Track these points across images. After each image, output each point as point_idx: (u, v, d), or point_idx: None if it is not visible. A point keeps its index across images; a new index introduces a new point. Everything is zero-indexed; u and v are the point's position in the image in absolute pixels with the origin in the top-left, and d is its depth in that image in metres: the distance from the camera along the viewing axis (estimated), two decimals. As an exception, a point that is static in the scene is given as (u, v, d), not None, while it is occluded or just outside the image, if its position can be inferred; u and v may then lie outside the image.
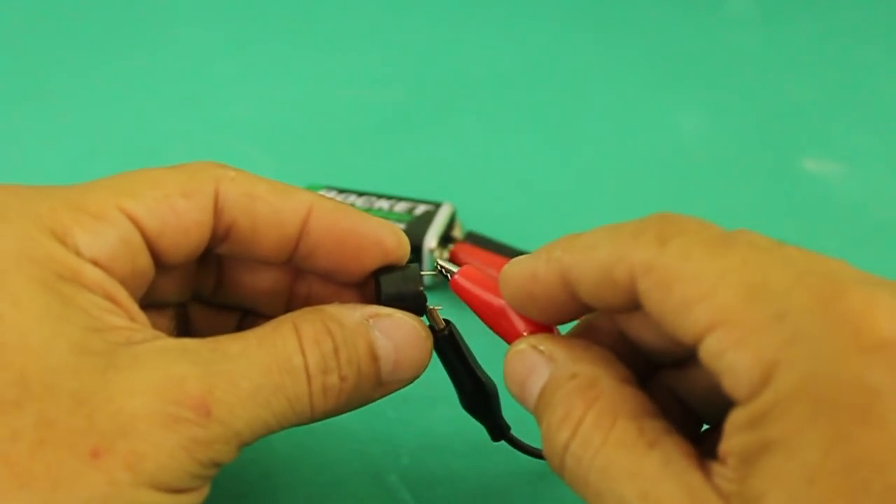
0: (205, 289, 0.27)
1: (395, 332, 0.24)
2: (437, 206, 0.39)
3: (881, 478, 0.16)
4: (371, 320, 0.23)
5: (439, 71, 0.57)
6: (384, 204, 0.39)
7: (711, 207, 0.45)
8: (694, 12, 0.64)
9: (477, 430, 0.33)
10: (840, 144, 0.51)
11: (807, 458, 0.17)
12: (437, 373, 0.35)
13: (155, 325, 0.26)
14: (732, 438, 0.19)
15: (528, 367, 0.23)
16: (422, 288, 0.25)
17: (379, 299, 0.25)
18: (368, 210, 0.39)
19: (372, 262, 0.25)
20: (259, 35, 0.61)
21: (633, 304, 0.21)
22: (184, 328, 0.27)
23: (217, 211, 0.24)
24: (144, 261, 0.23)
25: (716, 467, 0.19)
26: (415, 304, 0.25)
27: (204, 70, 0.57)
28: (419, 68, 0.57)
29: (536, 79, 0.57)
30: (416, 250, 0.38)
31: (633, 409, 0.21)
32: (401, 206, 0.39)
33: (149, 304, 0.26)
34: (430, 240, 0.38)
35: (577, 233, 0.23)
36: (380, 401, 0.33)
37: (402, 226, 0.38)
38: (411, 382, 0.25)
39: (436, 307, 0.26)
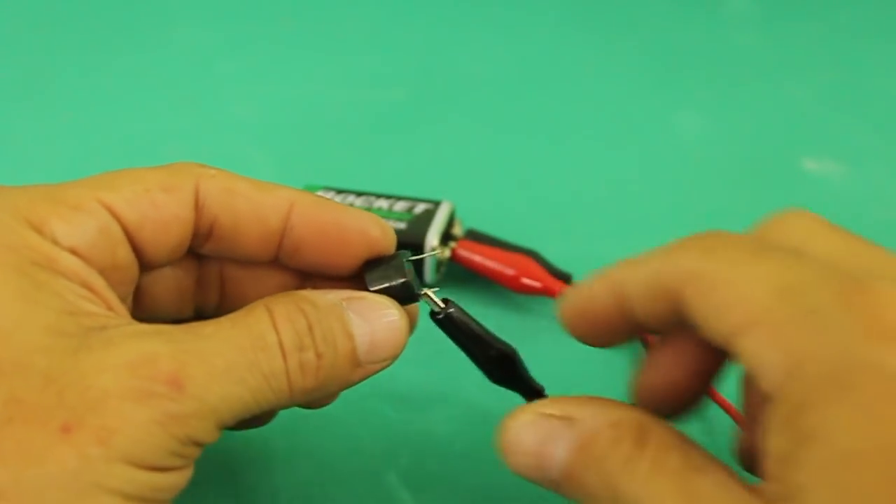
0: (208, 305, 0.27)
1: (368, 313, 0.24)
2: (437, 204, 0.39)
3: None
4: (344, 302, 0.23)
5: (438, 70, 0.57)
6: (383, 203, 0.39)
7: (711, 207, 0.45)
8: (694, 12, 0.64)
9: (477, 430, 0.33)
10: (840, 144, 0.51)
11: (841, 444, 0.17)
12: (436, 373, 0.35)
13: None
14: (771, 441, 0.19)
15: (542, 436, 0.23)
16: (406, 278, 0.25)
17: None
18: (368, 209, 0.39)
19: (358, 253, 0.25)
20: (259, 35, 0.61)
21: (680, 319, 0.22)
22: None
23: (198, 206, 0.24)
24: (125, 253, 0.23)
25: (762, 485, 0.19)
26: (403, 293, 0.25)
27: (204, 70, 0.57)
28: (418, 68, 0.57)
29: (536, 78, 0.57)
30: (418, 248, 0.38)
31: (680, 441, 0.21)
32: (400, 206, 0.39)
33: (148, 318, 0.26)
34: (432, 238, 0.38)
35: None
36: (379, 401, 0.33)
37: (403, 225, 0.38)
38: (389, 364, 0.25)
39: (430, 290, 0.26)
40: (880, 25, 0.64)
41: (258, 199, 0.24)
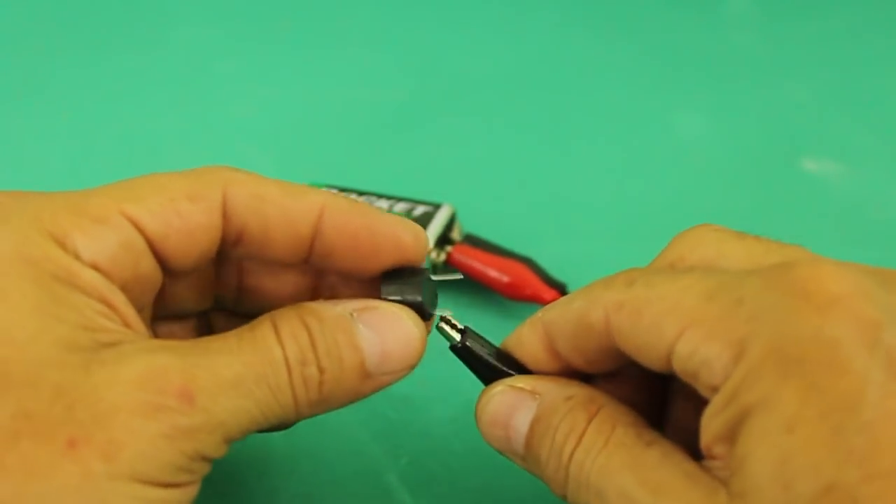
0: (226, 296, 0.27)
1: (380, 324, 0.23)
2: (437, 207, 0.39)
3: (855, 417, 0.18)
4: (355, 314, 0.23)
5: (439, 71, 0.57)
6: (384, 204, 0.39)
7: (711, 207, 0.45)
8: (694, 12, 0.64)
9: (476, 430, 0.33)
10: (840, 144, 0.51)
11: (783, 412, 0.18)
12: (436, 373, 0.35)
13: (175, 336, 0.26)
14: (712, 422, 0.20)
15: (510, 406, 0.24)
16: (420, 297, 0.25)
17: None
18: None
19: (389, 259, 0.25)
20: (259, 35, 0.61)
21: (609, 354, 0.23)
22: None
23: (226, 214, 0.23)
24: (149, 265, 0.23)
25: (707, 462, 0.20)
26: (416, 310, 0.25)
27: (204, 70, 0.57)
28: (419, 68, 0.57)
29: (536, 79, 0.57)
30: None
31: (631, 419, 0.22)
32: (400, 207, 0.39)
33: (168, 314, 0.26)
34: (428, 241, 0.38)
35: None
36: (379, 401, 0.33)
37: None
38: (406, 374, 0.24)
39: (446, 313, 0.26)
40: (880, 25, 0.64)
41: (288, 205, 0.24)
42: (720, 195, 0.46)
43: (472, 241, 0.39)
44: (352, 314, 0.23)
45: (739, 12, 0.65)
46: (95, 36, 0.60)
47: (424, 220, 0.38)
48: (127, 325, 0.21)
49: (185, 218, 0.23)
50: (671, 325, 0.20)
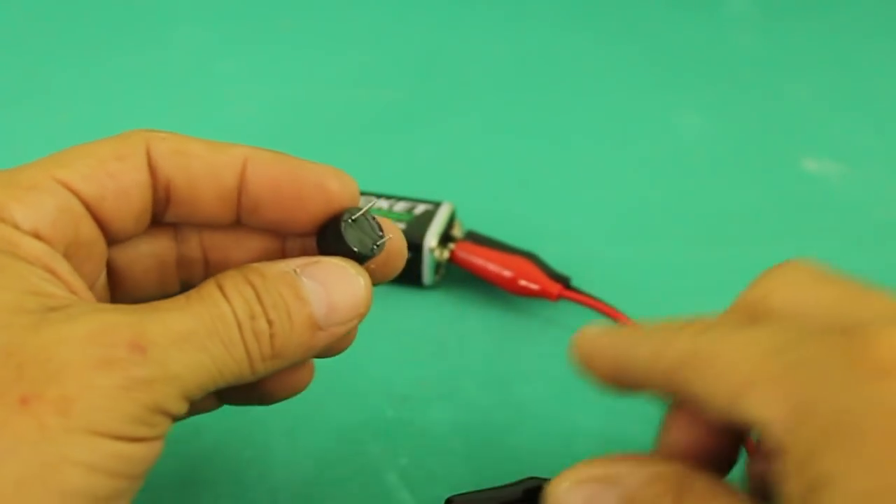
0: (194, 280, 0.27)
1: (324, 275, 0.23)
2: (437, 205, 0.39)
3: None
4: (298, 269, 0.23)
5: (438, 70, 0.57)
6: (383, 203, 0.39)
7: (711, 207, 0.45)
8: (694, 12, 0.64)
9: (476, 430, 0.33)
10: (840, 144, 0.51)
11: (853, 486, 0.18)
12: (436, 373, 0.35)
13: None
14: (786, 488, 0.19)
15: (587, 499, 0.22)
16: (352, 247, 0.24)
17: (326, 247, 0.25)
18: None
19: (317, 208, 0.24)
20: (259, 35, 0.61)
21: (680, 399, 0.23)
22: None
23: (152, 169, 0.23)
24: (89, 230, 0.23)
25: None
26: (354, 257, 0.24)
27: (204, 70, 0.57)
28: (418, 67, 0.57)
29: (536, 78, 0.57)
30: (417, 249, 0.38)
31: (723, 491, 0.21)
32: (400, 206, 0.39)
33: (132, 301, 0.25)
34: (431, 239, 0.38)
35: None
36: (379, 401, 0.33)
37: (402, 225, 0.38)
38: (355, 324, 0.24)
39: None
40: (880, 25, 0.64)
41: (211, 158, 0.24)
42: (720, 195, 0.46)
43: (475, 237, 0.39)
44: (295, 270, 0.23)
45: (739, 12, 0.65)
46: (95, 36, 0.60)
47: (425, 219, 0.38)
48: (73, 292, 0.21)
49: (116, 177, 0.23)
50: (736, 378, 0.20)
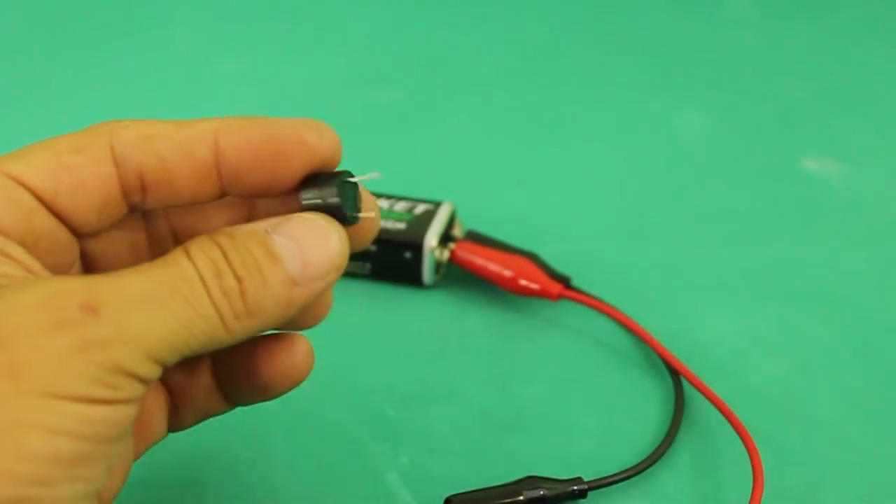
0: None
1: (295, 231, 0.23)
2: (437, 204, 0.39)
3: None
4: (269, 228, 0.23)
5: (438, 70, 0.57)
6: (384, 203, 0.39)
7: (711, 207, 0.45)
8: (693, 12, 0.64)
9: (476, 430, 0.33)
10: (840, 144, 0.51)
11: None
12: (436, 373, 0.35)
13: None
14: None
15: None
16: (338, 199, 0.23)
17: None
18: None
19: (299, 164, 0.24)
20: (259, 36, 0.61)
21: None
22: None
23: (117, 160, 0.23)
24: (45, 222, 0.22)
25: None
26: (335, 213, 0.24)
27: (203, 71, 0.57)
28: (418, 67, 0.57)
29: (536, 78, 0.57)
30: (417, 249, 0.38)
31: None
32: (401, 206, 0.39)
33: None
34: (431, 239, 0.38)
35: None
36: (379, 401, 0.34)
37: (403, 225, 0.38)
38: (334, 279, 0.23)
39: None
40: (880, 26, 0.64)
41: (179, 136, 0.23)
42: (720, 195, 0.46)
43: (475, 237, 0.39)
44: (266, 230, 0.23)
45: (739, 12, 0.65)
46: (95, 36, 0.60)
47: (425, 219, 0.38)
48: (30, 272, 0.21)
49: (72, 170, 0.22)
50: None
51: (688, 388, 0.34)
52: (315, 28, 0.62)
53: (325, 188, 0.23)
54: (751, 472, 0.29)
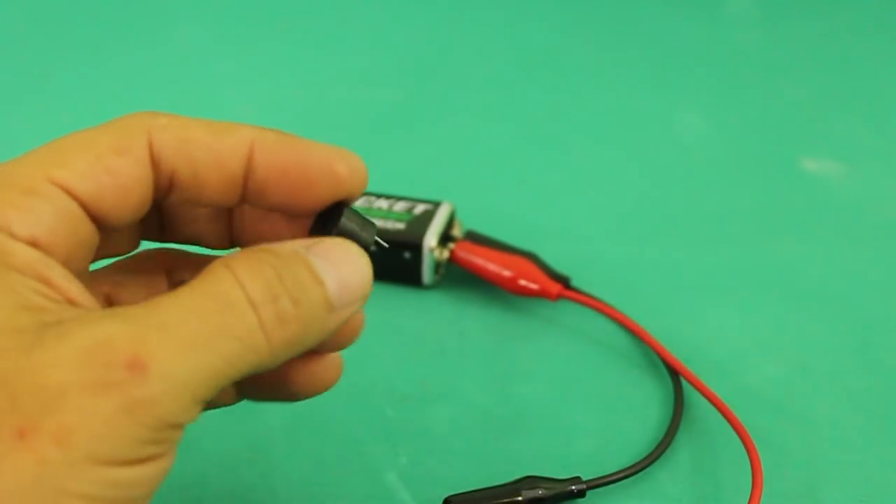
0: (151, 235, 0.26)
1: (330, 254, 0.22)
2: (437, 205, 0.39)
3: None
4: (303, 249, 0.22)
5: (438, 70, 0.57)
6: (383, 203, 0.39)
7: (711, 207, 0.45)
8: (693, 12, 0.64)
9: (476, 430, 0.33)
10: (840, 144, 0.51)
11: None
12: (436, 373, 0.35)
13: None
14: None
15: None
16: (370, 236, 0.24)
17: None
18: (367, 209, 0.39)
19: (325, 192, 0.24)
20: (259, 35, 0.61)
21: None
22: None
23: (154, 162, 0.22)
24: (87, 229, 0.22)
25: None
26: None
27: (204, 70, 0.57)
28: (418, 67, 0.57)
29: (536, 78, 0.57)
30: (417, 249, 0.38)
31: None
32: (400, 206, 0.39)
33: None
34: (431, 239, 0.38)
35: None
36: (379, 401, 0.33)
37: (402, 225, 0.38)
38: (359, 307, 0.23)
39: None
40: (880, 25, 0.64)
41: (215, 145, 0.23)
42: (720, 194, 0.46)
43: (474, 237, 0.39)
44: (301, 249, 0.22)
45: (739, 12, 0.65)
46: (95, 36, 0.60)
47: (425, 219, 0.38)
48: (70, 300, 0.20)
49: (115, 174, 0.22)
50: None
51: (687, 388, 0.34)
52: (315, 28, 0.62)
53: (362, 220, 0.24)
54: (750, 472, 0.29)
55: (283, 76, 0.56)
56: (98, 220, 0.22)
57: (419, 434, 0.32)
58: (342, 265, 0.22)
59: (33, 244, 0.20)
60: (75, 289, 0.21)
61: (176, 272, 0.26)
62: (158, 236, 0.26)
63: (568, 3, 0.66)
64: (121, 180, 0.22)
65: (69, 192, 0.21)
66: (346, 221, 0.24)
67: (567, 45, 0.60)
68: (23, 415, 0.18)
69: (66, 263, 0.21)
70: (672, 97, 0.55)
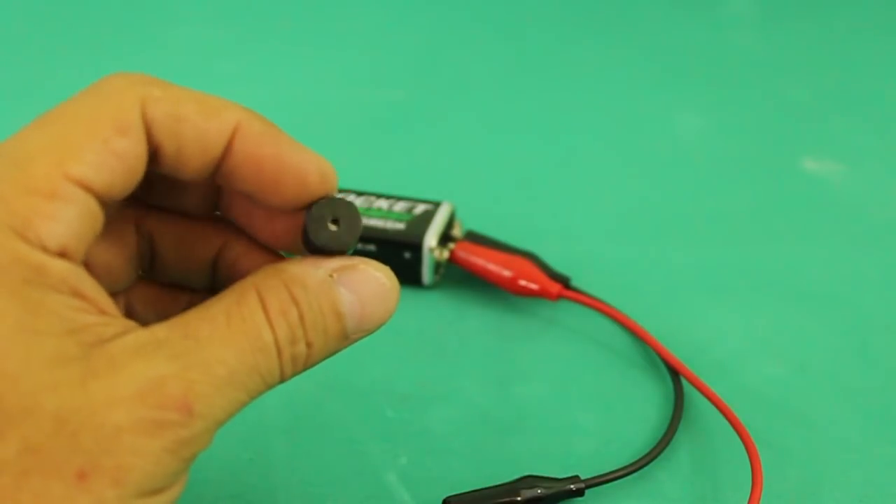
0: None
1: (360, 286, 0.23)
2: (437, 205, 0.39)
3: None
4: (335, 275, 0.23)
5: (439, 70, 0.57)
6: (383, 203, 0.39)
7: (711, 207, 0.45)
8: (693, 12, 0.64)
9: (476, 430, 0.33)
10: (840, 144, 0.51)
11: None
12: (436, 373, 0.35)
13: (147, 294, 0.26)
14: None
15: None
16: (353, 242, 0.23)
17: (307, 244, 0.24)
18: (367, 209, 0.39)
19: (292, 194, 0.24)
20: (259, 35, 0.61)
21: None
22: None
23: (147, 137, 0.22)
24: (100, 224, 0.22)
25: None
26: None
27: (204, 70, 0.57)
28: (418, 67, 0.57)
29: (536, 78, 0.57)
30: (417, 249, 0.38)
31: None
32: (400, 206, 0.39)
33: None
34: (431, 239, 0.38)
35: None
36: (379, 401, 0.34)
37: (402, 225, 0.38)
38: (377, 329, 0.24)
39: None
40: (880, 26, 0.64)
41: (204, 125, 0.22)
42: (720, 195, 0.46)
43: (474, 237, 0.39)
44: (332, 278, 0.23)
45: (739, 12, 0.65)
46: (95, 36, 0.60)
47: (425, 219, 0.38)
48: (101, 311, 0.21)
49: (122, 157, 0.21)
50: None
51: (687, 388, 0.34)
52: (315, 28, 0.62)
53: (347, 223, 0.23)
54: (750, 472, 0.29)
55: (283, 76, 0.56)
56: (106, 202, 0.22)
57: (419, 434, 0.32)
58: (368, 298, 0.23)
59: (63, 255, 0.20)
60: (103, 298, 0.21)
61: (144, 224, 0.26)
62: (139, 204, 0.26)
63: (568, 3, 0.66)
64: (127, 162, 0.22)
65: (88, 189, 0.21)
66: (325, 240, 0.23)
67: (567, 44, 0.60)
68: (83, 455, 0.19)
69: (87, 268, 0.21)
70: (672, 97, 0.55)
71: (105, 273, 0.25)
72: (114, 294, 0.25)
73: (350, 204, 0.24)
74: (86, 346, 0.20)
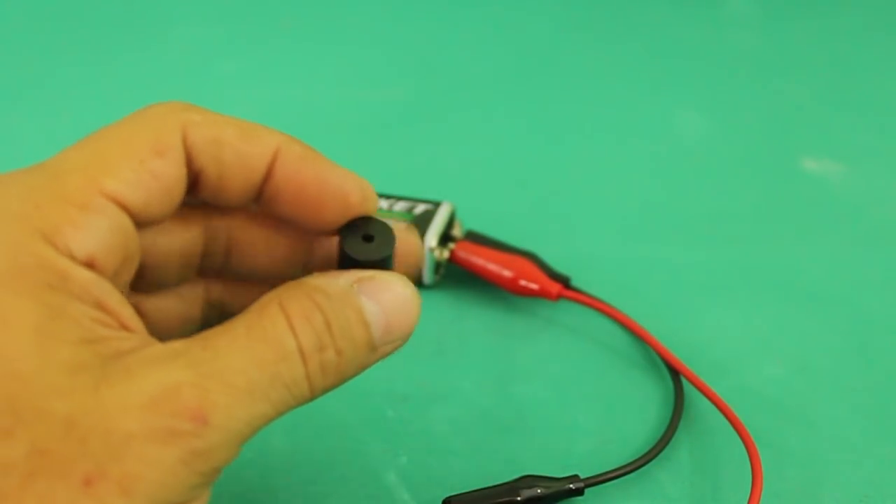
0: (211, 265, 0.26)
1: (381, 294, 0.23)
2: (437, 205, 0.39)
3: None
4: (356, 285, 0.23)
5: (438, 70, 0.57)
6: (383, 203, 0.39)
7: (711, 207, 0.45)
8: (693, 11, 0.64)
9: (476, 430, 0.33)
10: (840, 144, 0.51)
11: None
12: (436, 373, 0.35)
13: (173, 312, 0.26)
14: None
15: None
16: (390, 253, 0.24)
17: (343, 261, 0.24)
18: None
19: (334, 215, 0.24)
20: (259, 35, 0.61)
21: None
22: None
23: (188, 161, 0.22)
24: (135, 244, 0.22)
25: None
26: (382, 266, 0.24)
27: (204, 70, 0.57)
28: (418, 67, 0.57)
29: (536, 78, 0.57)
30: (416, 250, 0.38)
31: None
32: (400, 206, 0.39)
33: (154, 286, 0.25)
34: (431, 239, 0.38)
35: None
36: (379, 401, 0.34)
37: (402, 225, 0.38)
38: (404, 343, 0.24)
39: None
40: (880, 25, 0.64)
41: (245, 149, 0.23)
42: (720, 194, 0.46)
43: (474, 237, 0.39)
44: (354, 288, 0.22)
45: (739, 12, 0.65)
46: (95, 36, 0.60)
47: (425, 219, 0.38)
48: (123, 326, 0.21)
49: (159, 178, 0.22)
50: None
51: (687, 387, 0.34)
52: (316, 27, 0.62)
53: (376, 247, 0.24)
54: (750, 471, 0.29)
55: (283, 76, 0.56)
56: (143, 224, 0.22)
57: (419, 434, 0.32)
58: (391, 307, 0.23)
59: (90, 265, 0.20)
60: (127, 312, 0.21)
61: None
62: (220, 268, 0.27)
63: (568, 2, 0.66)
64: (164, 183, 0.22)
65: (121, 205, 0.21)
66: (361, 255, 0.24)
67: (567, 44, 0.60)
68: (91, 460, 0.18)
69: (113, 279, 0.21)
70: (672, 96, 0.55)
71: (180, 263, 0.25)
72: (192, 282, 0.26)
73: (382, 222, 0.24)
74: (102, 356, 0.19)
